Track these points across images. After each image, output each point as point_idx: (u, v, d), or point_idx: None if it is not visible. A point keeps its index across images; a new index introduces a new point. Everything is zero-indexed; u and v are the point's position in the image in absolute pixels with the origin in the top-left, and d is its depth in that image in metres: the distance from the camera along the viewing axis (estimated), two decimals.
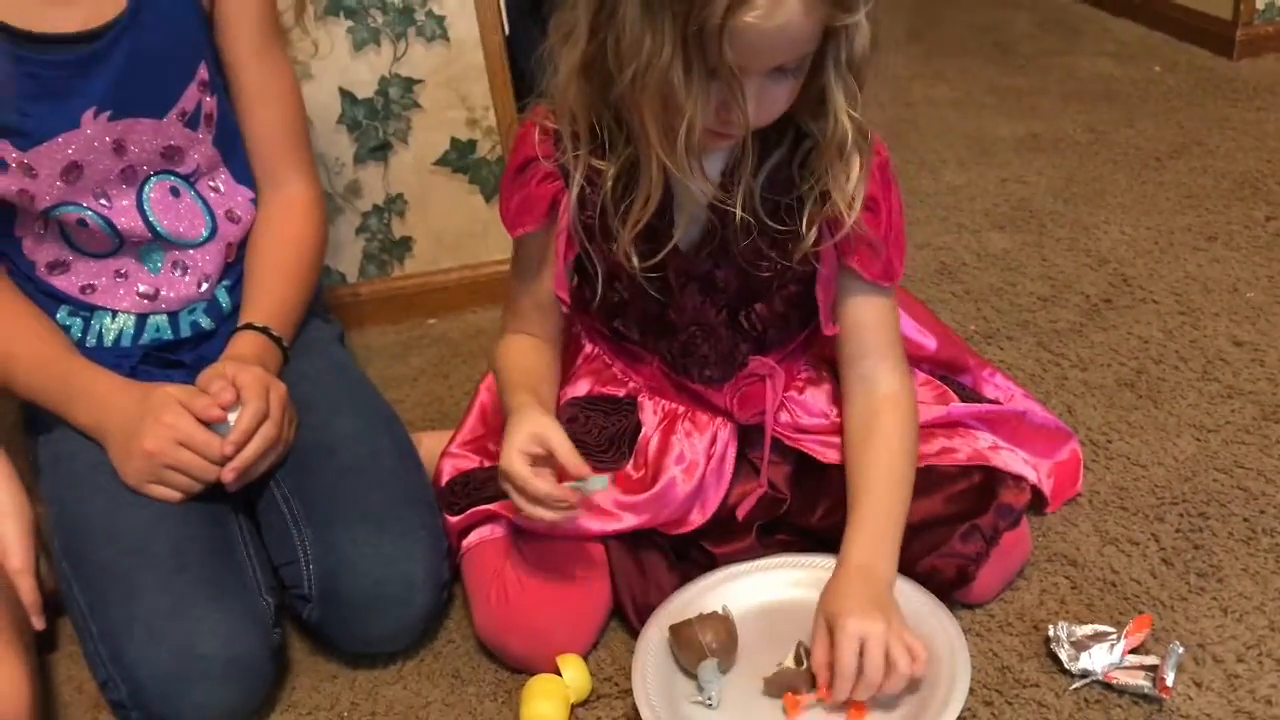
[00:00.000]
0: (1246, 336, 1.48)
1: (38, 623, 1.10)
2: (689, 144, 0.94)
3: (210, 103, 1.20)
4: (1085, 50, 2.58)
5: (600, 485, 1.03)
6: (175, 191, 1.21)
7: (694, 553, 1.17)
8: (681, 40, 0.89)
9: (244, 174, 1.26)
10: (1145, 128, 2.14)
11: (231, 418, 1.10)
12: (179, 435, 1.08)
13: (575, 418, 1.18)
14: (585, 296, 1.16)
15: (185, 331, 1.24)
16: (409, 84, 1.69)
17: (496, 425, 1.25)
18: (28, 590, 1.10)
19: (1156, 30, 2.60)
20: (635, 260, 1.05)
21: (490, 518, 1.16)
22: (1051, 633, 1.05)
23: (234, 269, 1.27)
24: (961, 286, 1.70)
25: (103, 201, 1.17)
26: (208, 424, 1.09)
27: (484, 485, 1.18)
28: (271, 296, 1.23)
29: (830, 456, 1.15)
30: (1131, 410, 1.38)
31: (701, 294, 1.11)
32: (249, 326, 1.20)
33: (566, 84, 1.01)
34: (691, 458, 1.15)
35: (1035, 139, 2.16)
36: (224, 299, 1.26)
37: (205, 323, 1.25)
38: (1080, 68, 2.48)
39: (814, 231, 1.04)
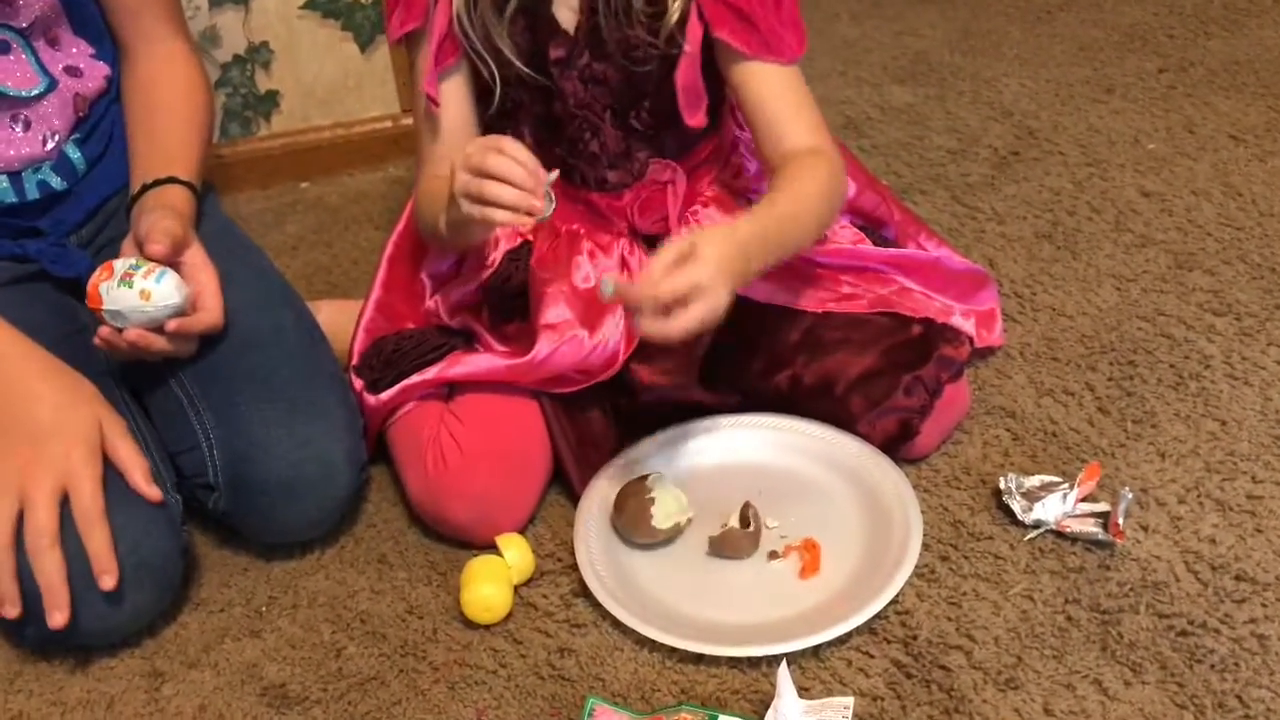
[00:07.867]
0: (1153, 187, 1.49)
1: None
2: None
3: None
4: None
5: (552, 176, 0.92)
6: (4, 46, 1.04)
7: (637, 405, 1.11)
8: None
9: (85, 28, 1.11)
10: None
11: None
12: None
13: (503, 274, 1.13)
14: (486, 113, 1.12)
15: (33, 193, 1.09)
16: None
17: (407, 284, 1.17)
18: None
19: None
20: (513, 53, 1.05)
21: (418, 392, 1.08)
22: (1003, 485, 1.04)
23: (86, 124, 1.11)
24: (869, 141, 1.66)
25: None
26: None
27: (404, 355, 1.09)
28: (187, 149, 1.11)
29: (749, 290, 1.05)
30: (1052, 262, 1.37)
31: (583, 84, 1.08)
32: (174, 180, 1.06)
33: None
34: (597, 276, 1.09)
35: None
36: (75, 155, 1.11)
37: (55, 182, 1.10)
38: None
39: (678, 4, 1.02)
